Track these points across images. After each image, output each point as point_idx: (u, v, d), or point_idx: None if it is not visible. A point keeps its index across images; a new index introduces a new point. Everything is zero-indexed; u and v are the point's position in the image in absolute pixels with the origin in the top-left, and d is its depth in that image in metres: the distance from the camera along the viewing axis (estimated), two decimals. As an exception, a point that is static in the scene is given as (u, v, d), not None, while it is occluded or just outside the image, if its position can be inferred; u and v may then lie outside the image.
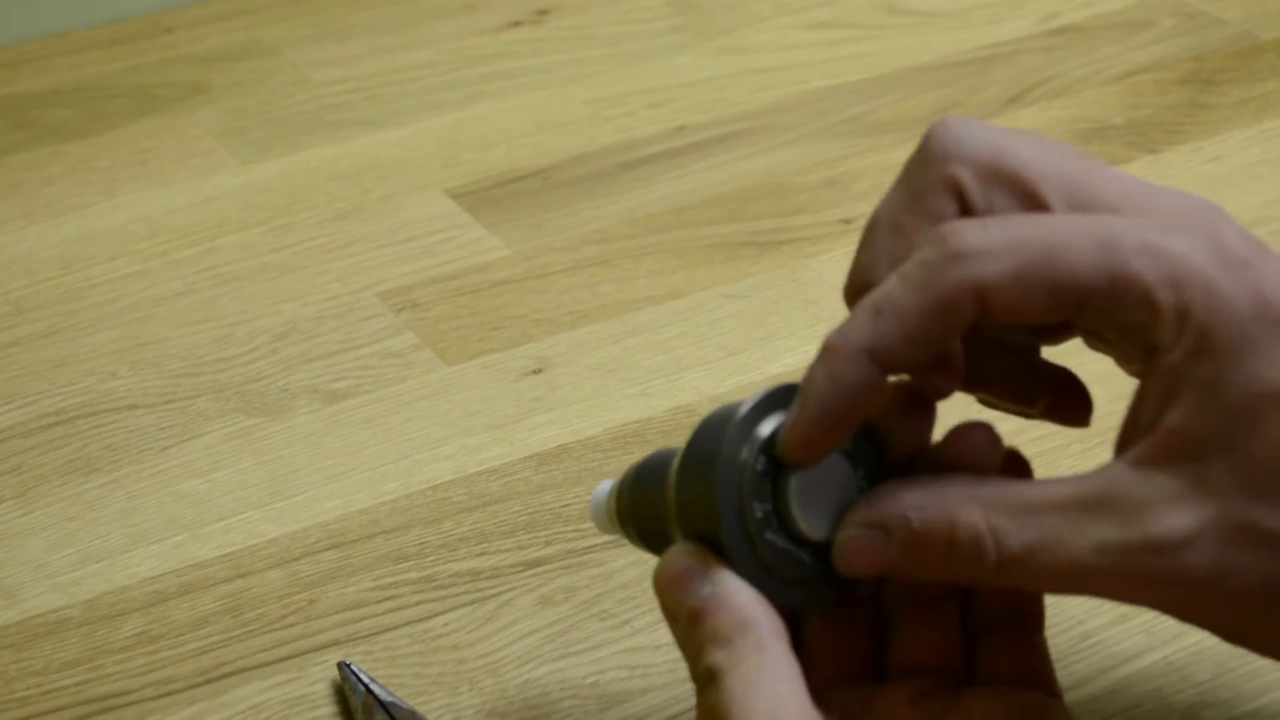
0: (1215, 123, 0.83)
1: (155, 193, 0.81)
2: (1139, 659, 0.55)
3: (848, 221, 0.77)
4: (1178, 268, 0.43)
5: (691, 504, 0.46)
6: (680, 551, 0.45)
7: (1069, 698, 0.54)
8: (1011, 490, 0.44)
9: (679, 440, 0.65)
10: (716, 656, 0.43)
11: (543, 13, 0.95)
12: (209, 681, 0.57)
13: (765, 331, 0.71)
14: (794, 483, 0.45)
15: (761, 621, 0.44)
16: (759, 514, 0.45)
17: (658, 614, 0.58)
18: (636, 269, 0.75)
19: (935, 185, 0.47)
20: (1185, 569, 0.43)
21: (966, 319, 0.44)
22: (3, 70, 0.92)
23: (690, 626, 0.44)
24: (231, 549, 0.62)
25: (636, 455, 0.64)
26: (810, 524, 0.45)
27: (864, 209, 0.77)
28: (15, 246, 0.78)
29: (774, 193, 0.79)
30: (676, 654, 0.57)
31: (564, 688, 0.56)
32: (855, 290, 0.48)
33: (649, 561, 0.60)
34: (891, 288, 0.44)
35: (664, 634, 0.57)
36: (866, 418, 0.45)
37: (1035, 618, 0.48)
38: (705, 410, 0.66)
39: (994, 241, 0.44)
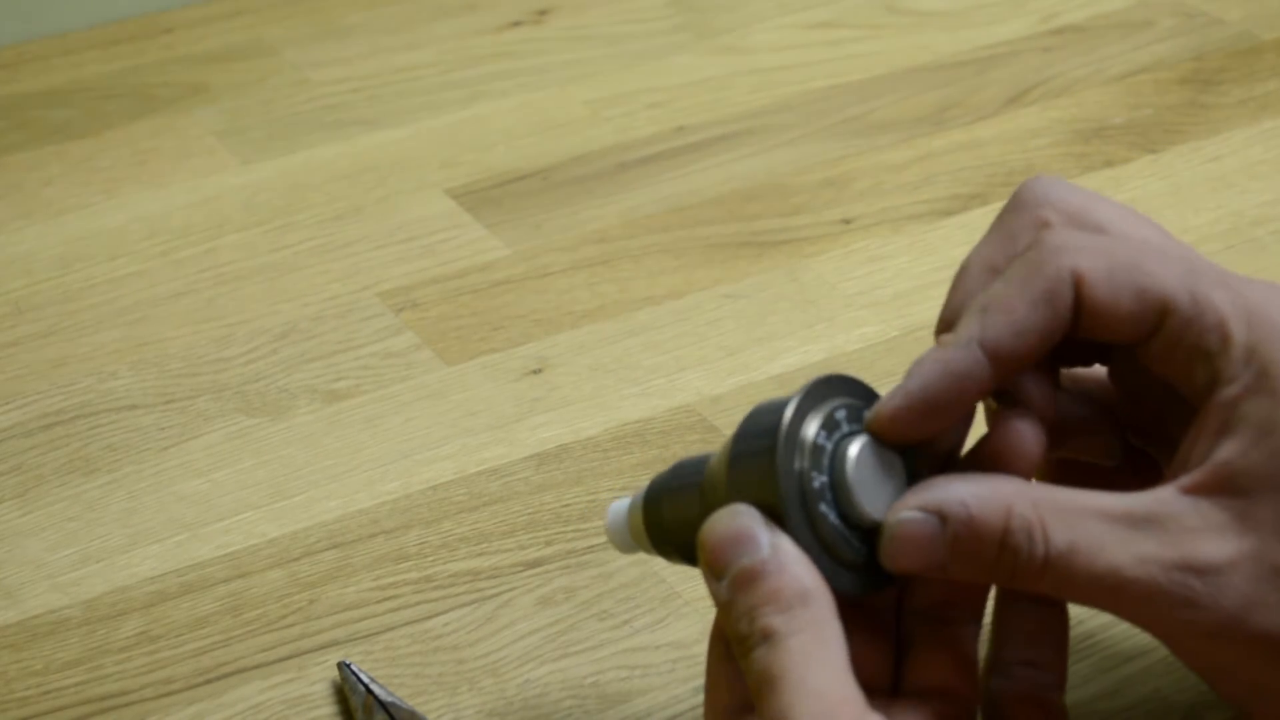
0: (1215, 123, 0.83)
1: (155, 193, 0.81)
2: (1139, 659, 0.55)
3: (848, 221, 0.77)
4: (1253, 308, 0.45)
5: (748, 471, 0.46)
6: (736, 511, 0.45)
7: (1069, 698, 0.54)
8: (1062, 493, 0.45)
9: (679, 440, 0.65)
10: (775, 620, 0.43)
11: (543, 13, 0.95)
12: (209, 681, 0.57)
13: (765, 331, 0.71)
14: (852, 459, 0.46)
15: (822, 595, 0.44)
16: (816, 484, 0.45)
17: (658, 614, 0.58)
18: (636, 269, 0.75)
19: (1027, 227, 0.50)
20: (1218, 595, 0.44)
21: (1066, 309, 0.46)
22: (3, 70, 0.92)
23: (742, 586, 0.44)
24: (231, 549, 0.62)
25: (636, 455, 0.64)
26: (865, 502, 0.45)
27: (864, 209, 0.78)
28: (15, 246, 0.78)
29: (774, 193, 0.79)
30: (676, 654, 0.57)
31: (564, 688, 0.56)
32: (945, 328, 0.50)
33: (649, 561, 0.60)
34: (995, 286, 0.47)
35: (664, 634, 0.57)
36: (962, 412, 0.46)
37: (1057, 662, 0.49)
38: (705, 410, 0.66)
39: (1089, 242, 0.47)
